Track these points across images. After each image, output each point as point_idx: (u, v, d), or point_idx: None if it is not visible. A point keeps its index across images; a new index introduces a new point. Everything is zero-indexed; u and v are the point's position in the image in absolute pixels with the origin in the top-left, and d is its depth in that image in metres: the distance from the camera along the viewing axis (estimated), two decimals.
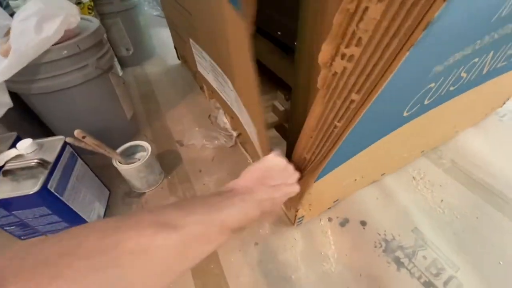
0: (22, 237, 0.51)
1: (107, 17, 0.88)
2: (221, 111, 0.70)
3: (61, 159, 0.43)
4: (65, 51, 0.48)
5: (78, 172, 0.48)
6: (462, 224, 0.49)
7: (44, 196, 0.39)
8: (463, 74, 0.42)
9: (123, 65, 1.02)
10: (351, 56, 0.20)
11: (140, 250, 0.16)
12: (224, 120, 0.69)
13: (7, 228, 0.47)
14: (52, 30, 0.45)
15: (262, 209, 0.25)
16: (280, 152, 0.34)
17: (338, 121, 0.26)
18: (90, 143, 0.45)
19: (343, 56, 0.21)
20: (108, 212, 0.55)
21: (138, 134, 0.73)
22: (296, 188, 0.32)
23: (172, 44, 1.02)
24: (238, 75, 0.38)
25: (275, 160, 0.33)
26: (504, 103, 0.71)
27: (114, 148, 0.53)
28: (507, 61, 0.48)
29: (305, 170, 0.36)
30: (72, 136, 0.44)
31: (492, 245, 0.46)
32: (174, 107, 0.82)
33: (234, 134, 0.67)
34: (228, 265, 0.46)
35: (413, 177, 0.57)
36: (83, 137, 0.44)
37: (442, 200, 0.53)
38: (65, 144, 0.44)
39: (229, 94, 0.55)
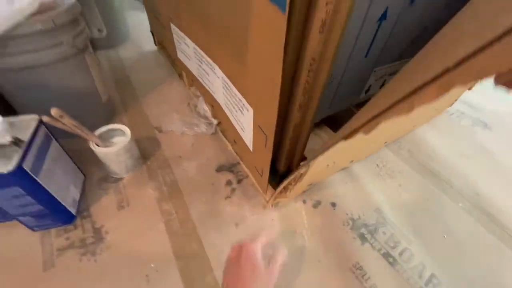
0: None
1: None
2: (201, 98, 0.71)
3: (36, 138, 0.41)
4: (39, 25, 0.45)
5: (53, 153, 0.46)
6: (415, 205, 0.57)
7: (19, 175, 0.37)
8: None
9: (94, 47, 0.97)
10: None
11: None
12: (204, 108, 0.70)
13: None
14: (26, 1, 0.43)
15: None
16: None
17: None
18: (68, 123, 0.44)
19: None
20: (83, 197, 0.54)
21: (114, 119, 0.71)
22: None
23: (148, 29, 0.99)
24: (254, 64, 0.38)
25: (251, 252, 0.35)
26: (452, 104, 0.81)
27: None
28: None
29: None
30: (47, 115, 0.42)
31: (438, 221, 0.54)
32: (151, 94, 0.81)
33: (215, 122, 0.68)
34: (210, 245, 0.48)
35: (377, 165, 0.64)
36: (61, 117, 0.43)
37: (400, 185, 0.60)
38: (40, 123, 0.42)
39: (213, 82, 0.56)
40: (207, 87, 0.62)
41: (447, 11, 0.49)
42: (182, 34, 0.62)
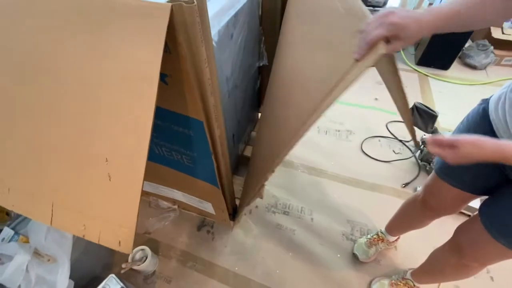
0: None
1: None
2: (159, 199, 1.13)
3: (122, 283, 0.80)
4: None
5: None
6: (285, 184, 1.24)
7: None
8: None
9: None
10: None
11: None
12: (164, 203, 1.13)
13: None
14: None
15: None
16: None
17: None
18: (129, 267, 0.83)
19: None
20: None
21: None
22: None
23: None
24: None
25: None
26: None
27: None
28: None
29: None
30: (120, 267, 0.81)
31: (295, 184, 1.23)
32: None
33: (176, 207, 1.13)
34: (220, 260, 1.00)
35: None
36: (126, 267, 0.82)
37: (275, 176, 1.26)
38: (119, 275, 0.81)
39: (171, 193, 1.01)
40: (164, 194, 1.06)
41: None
42: None
